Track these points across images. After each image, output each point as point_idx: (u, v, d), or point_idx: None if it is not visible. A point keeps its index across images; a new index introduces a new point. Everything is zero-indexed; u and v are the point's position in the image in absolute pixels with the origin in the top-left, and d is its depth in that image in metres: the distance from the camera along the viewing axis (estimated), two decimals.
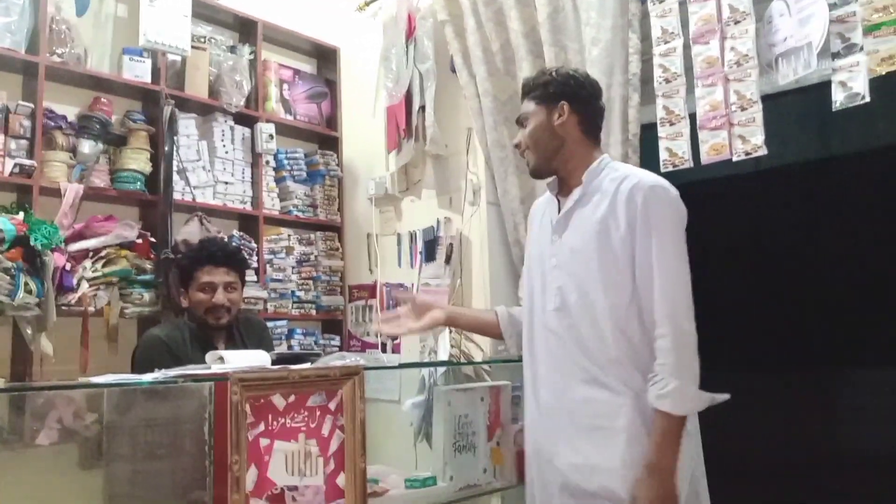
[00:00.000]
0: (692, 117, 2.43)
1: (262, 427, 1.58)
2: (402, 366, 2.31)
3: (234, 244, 3.01)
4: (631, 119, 2.59)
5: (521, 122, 1.87)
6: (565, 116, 1.79)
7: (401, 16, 3.28)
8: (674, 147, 2.46)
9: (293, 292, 3.42)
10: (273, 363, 1.75)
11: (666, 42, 2.52)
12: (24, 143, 2.68)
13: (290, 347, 3.29)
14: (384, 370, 2.69)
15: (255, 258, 3.26)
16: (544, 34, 2.80)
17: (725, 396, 1.67)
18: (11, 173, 2.61)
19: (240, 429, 1.52)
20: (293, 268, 3.44)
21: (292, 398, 1.65)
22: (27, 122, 2.69)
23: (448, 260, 3.00)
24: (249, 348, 2.26)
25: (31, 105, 2.70)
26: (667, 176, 2.47)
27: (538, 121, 1.81)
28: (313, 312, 3.49)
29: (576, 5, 2.75)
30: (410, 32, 3.22)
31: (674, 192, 1.73)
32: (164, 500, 1.67)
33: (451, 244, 3.03)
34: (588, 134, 1.83)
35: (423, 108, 3.13)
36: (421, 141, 3.16)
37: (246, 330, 2.52)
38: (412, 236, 3.28)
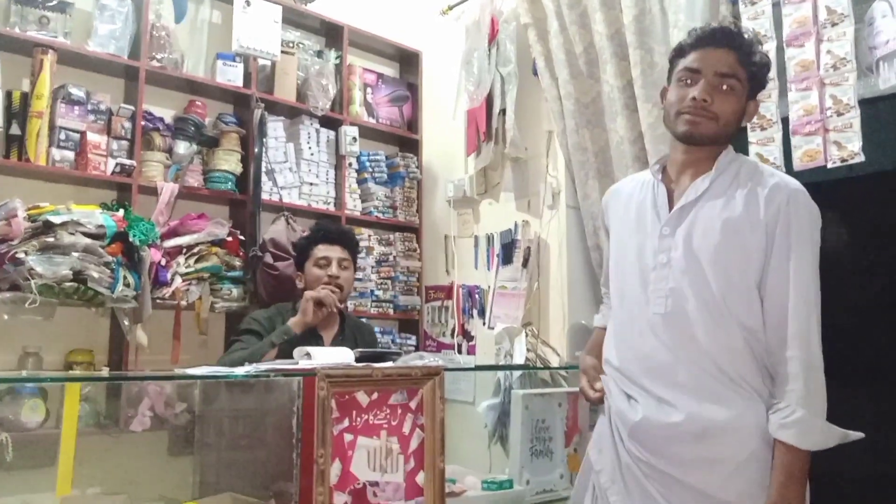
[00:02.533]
0: (784, 122, 2.36)
1: (346, 423, 1.62)
2: (482, 368, 2.33)
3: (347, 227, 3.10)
4: None
5: (722, 78, 1.58)
6: (753, 110, 1.66)
7: (483, 20, 3.30)
8: (764, 152, 2.39)
9: (372, 291, 3.48)
10: (357, 360, 1.80)
11: (758, 44, 2.45)
12: (124, 143, 2.83)
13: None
14: (459, 371, 2.71)
15: None
16: (630, 37, 2.77)
17: (860, 435, 1.48)
18: (113, 172, 2.77)
19: (326, 423, 1.57)
20: (372, 267, 3.51)
21: (375, 395, 1.69)
22: (128, 124, 2.84)
23: (525, 263, 3.00)
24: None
25: (132, 107, 2.85)
26: None
27: (737, 95, 1.60)
28: (391, 312, 3.55)
29: (663, 7, 2.71)
30: (493, 36, 3.24)
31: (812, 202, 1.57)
32: (251, 490, 1.73)
33: (528, 247, 3.03)
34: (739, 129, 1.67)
35: (503, 111, 3.14)
36: (501, 144, 3.17)
37: (359, 332, 2.65)
38: (489, 239, 3.30)
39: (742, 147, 2.44)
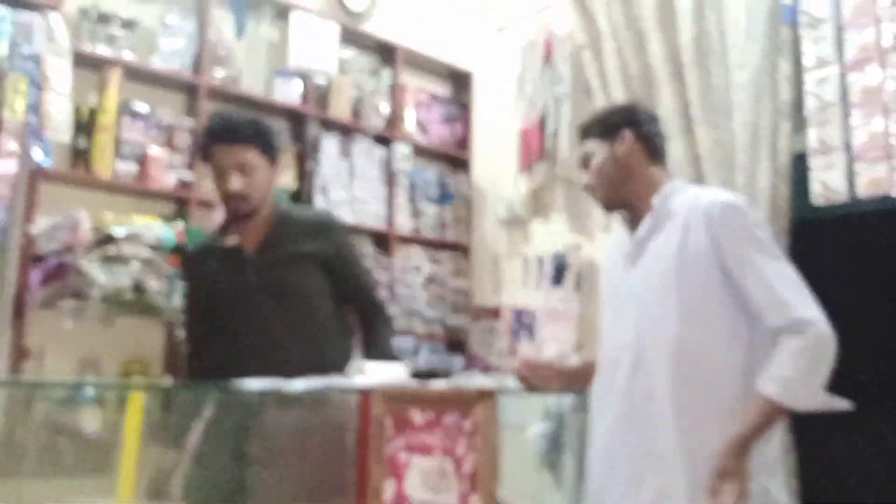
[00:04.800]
0: (847, 148, 2.30)
1: (401, 441, 1.61)
2: (535, 391, 2.29)
3: (252, 116, 2.19)
4: (780, 148, 2.48)
5: (585, 164, 1.81)
6: (628, 144, 1.74)
7: (538, 41, 3.31)
8: (827, 179, 2.34)
9: (420, 310, 3.49)
10: (411, 376, 1.79)
11: (819, 69, 2.41)
12: (184, 157, 2.90)
13: (415, 364, 3.35)
14: (511, 394, 2.68)
15: (386, 275, 3.36)
16: (687, 58, 2.74)
17: (845, 404, 1.53)
18: (174, 185, 2.83)
19: (381, 441, 1.56)
20: (421, 286, 3.52)
21: (430, 415, 1.67)
22: (187, 139, 2.91)
23: (577, 286, 2.97)
24: (295, 242, 1.96)
25: (192, 122, 2.92)
26: (819, 210, 2.37)
27: (602, 155, 1.76)
28: (439, 331, 3.55)
29: (722, 29, 2.68)
30: (547, 57, 3.25)
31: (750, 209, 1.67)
32: None
33: (580, 270, 3.00)
34: (653, 159, 1.77)
35: (557, 131, 3.13)
36: (553, 164, 3.16)
37: (298, 224, 2.01)
38: (540, 260, 3.28)
39: (803, 173, 2.39)
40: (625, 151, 1.74)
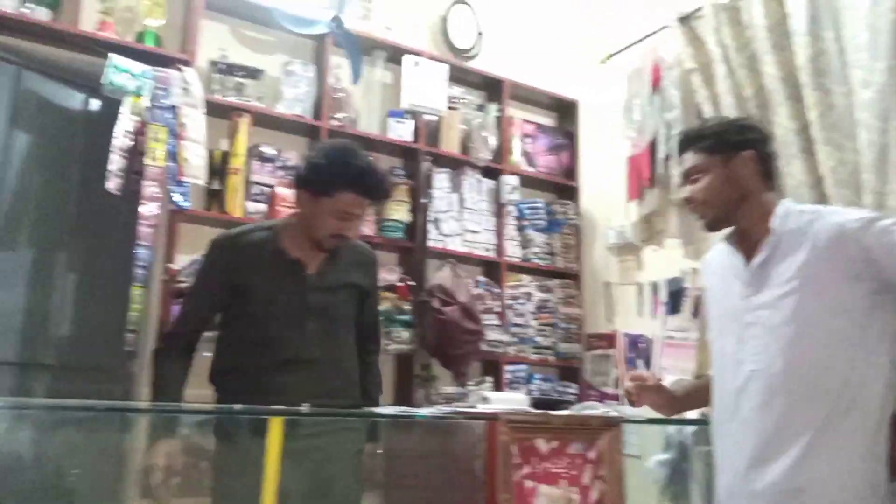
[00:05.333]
0: None
1: (527, 469, 1.64)
2: (657, 421, 2.25)
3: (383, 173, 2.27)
4: None
5: (689, 178, 1.74)
6: (749, 166, 1.67)
7: (645, 67, 3.30)
8: None
9: (532, 338, 3.51)
10: (533, 406, 1.82)
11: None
12: None
13: (528, 392, 3.36)
14: (633, 423, 2.65)
15: (497, 303, 3.41)
16: (804, 78, 2.66)
17: None
18: None
19: (508, 468, 1.60)
20: (532, 314, 3.54)
21: (554, 444, 1.70)
22: None
23: (696, 313, 2.91)
24: (347, 272, 2.11)
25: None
26: None
27: (716, 173, 1.69)
28: (551, 359, 3.55)
29: (841, 47, 2.60)
30: (655, 83, 3.23)
31: None
32: None
33: (698, 296, 2.94)
34: (769, 181, 1.72)
35: (668, 157, 3.11)
36: (666, 190, 3.13)
37: (349, 253, 2.15)
38: (654, 287, 3.24)
39: None
40: (744, 173, 1.68)
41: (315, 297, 2.03)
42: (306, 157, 2.14)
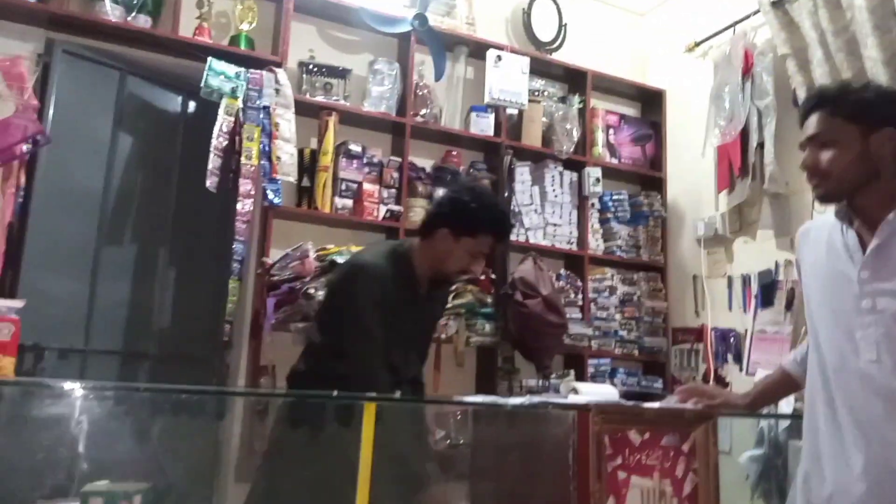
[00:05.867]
0: None
1: (619, 460, 1.63)
2: (753, 415, 2.20)
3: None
4: None
5: (814, 142, 1.54)
6: (886, 145, 1.48)
7: (735, 53, 3.21)
8: None
9: (616, 331, 3.47)
10: (623, 397, 1.81)
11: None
12: (393, 191, 3.14)
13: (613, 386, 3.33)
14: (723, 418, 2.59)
15: (580, 296, 3.39)
16: None
17: None
18: (384, 217, 3.07)
19: (600, 459, 1.60)
20: (616, 307, 3.50)
21: (647, 435, 1.68)
22: (396, 174, 3.15)
23: (789, 306, 2.82)
24: (439, 296, 2.31)
25: (399, 159, 3.16)
26: None
27: (850, 146, 1.49)
28: (635, 353, 3.50)
29: None
30: (746, 69, 3.14)
31: None
32: None
33: (792, 289, 2.84)
34: None
35: (761, 145, 3.02)
36: (758, 179, 3.04)
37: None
38: (745, 279, 3.15)
39: None
40: (882, 153, 1.48)
41: (424, 313, 2.19)
42: (450, 196, 2.15)
